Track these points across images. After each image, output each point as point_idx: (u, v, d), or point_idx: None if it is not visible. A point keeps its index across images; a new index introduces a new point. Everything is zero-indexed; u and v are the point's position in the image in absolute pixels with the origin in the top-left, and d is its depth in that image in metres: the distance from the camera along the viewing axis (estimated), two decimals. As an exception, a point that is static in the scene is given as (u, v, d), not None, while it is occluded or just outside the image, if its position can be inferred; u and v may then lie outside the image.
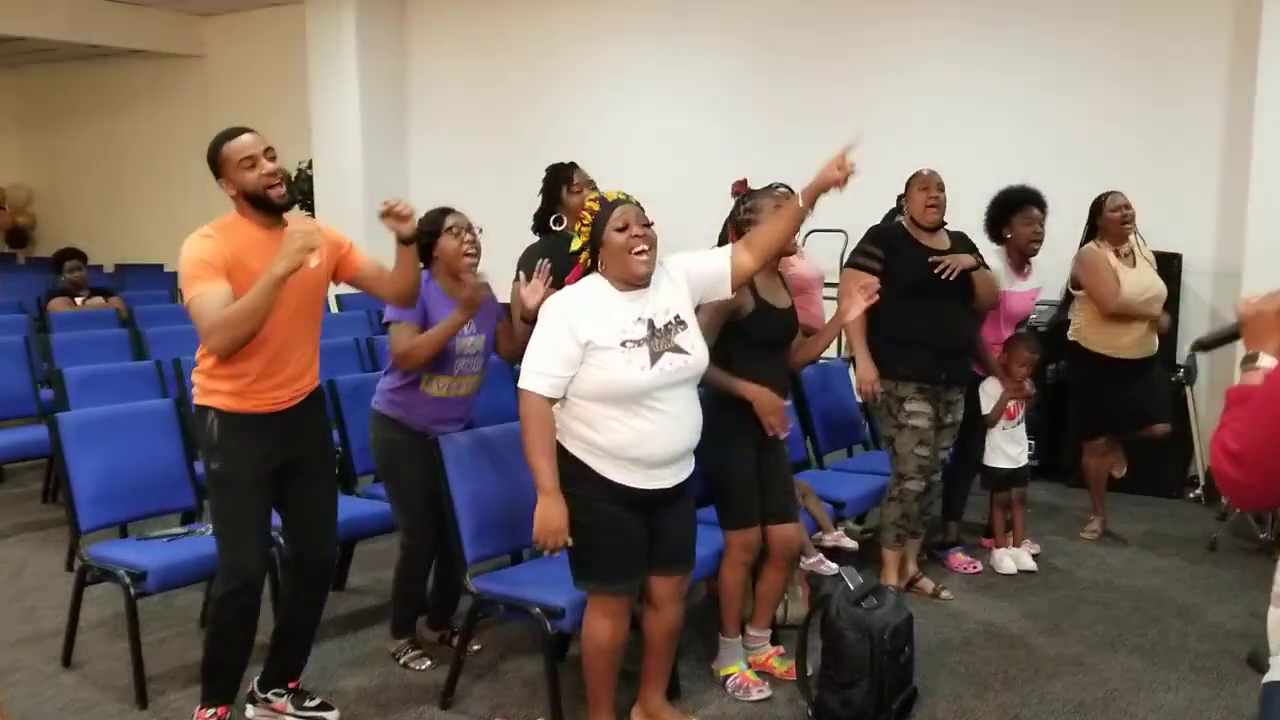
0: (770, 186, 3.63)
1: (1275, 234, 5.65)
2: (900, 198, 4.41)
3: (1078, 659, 3.90)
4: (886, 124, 6.84)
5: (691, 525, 3.17)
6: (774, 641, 3.82)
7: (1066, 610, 4.38)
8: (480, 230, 3.66)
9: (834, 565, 4.17)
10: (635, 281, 2.90)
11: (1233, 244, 6.02)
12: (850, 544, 4.28)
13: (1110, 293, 4.86)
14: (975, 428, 4.70)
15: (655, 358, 2.88)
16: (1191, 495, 5.95)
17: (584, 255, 2.98)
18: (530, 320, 3.46)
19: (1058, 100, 6.67)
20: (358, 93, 9.13)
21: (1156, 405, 5.11)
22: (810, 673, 3.48)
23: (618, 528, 2.94)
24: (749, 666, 3.68)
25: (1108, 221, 4.96)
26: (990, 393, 4.75)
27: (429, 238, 3.57)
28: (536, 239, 4.11)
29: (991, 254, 4.69)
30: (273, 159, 3.00)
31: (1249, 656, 3.86)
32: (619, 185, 3.19)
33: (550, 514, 2.83)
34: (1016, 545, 4.91)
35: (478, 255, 3.63)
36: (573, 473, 2.91)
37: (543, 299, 3.20)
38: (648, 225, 2.92)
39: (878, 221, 4.69)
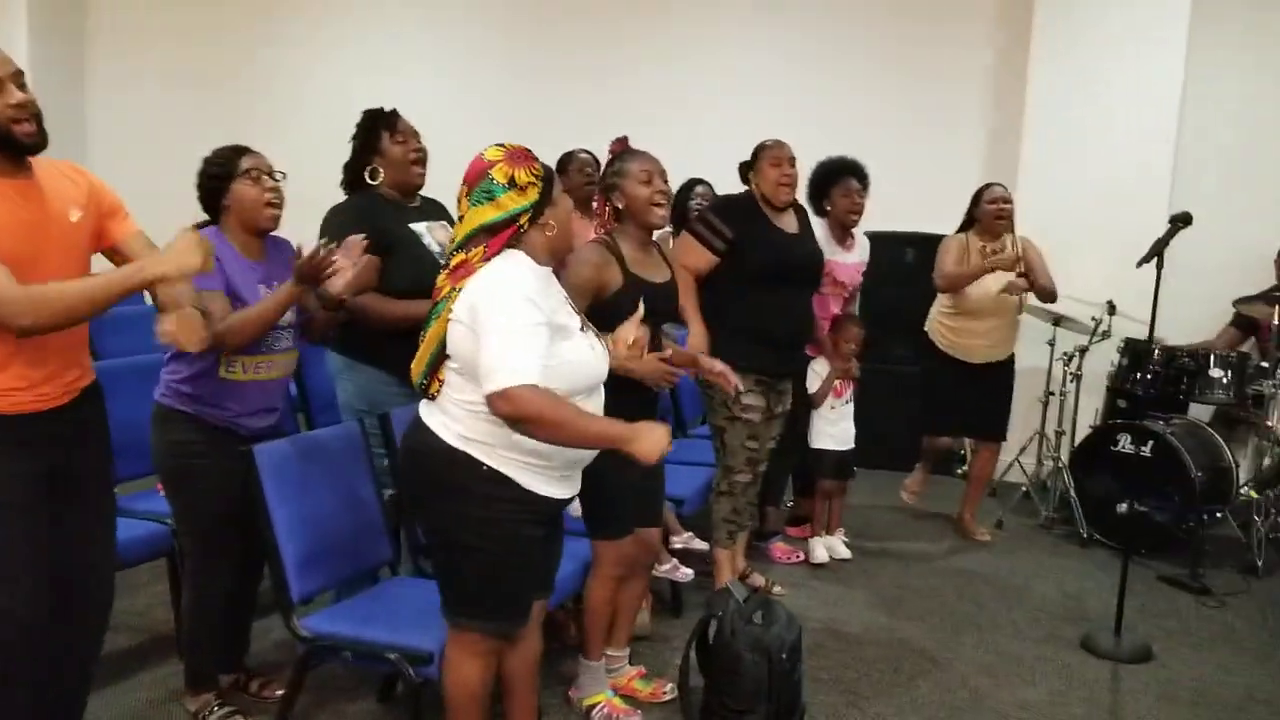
0: (637, 152, 3.15)
1: (1043, 218, 5.86)
2: (745, 166, 4.04)
3: (929, 655, 3.78)
4: (649, 86, 6.61)
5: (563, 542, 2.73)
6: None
7: (896, 600, 4.29)
8: (283, 176, 2.95)
9: (688, 571, 3.83)
10: (562, 256, 2.50)
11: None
12: (701, 545, 3.93)
13: (941, 273, 4.82)
14: (800, 411, 4.49)
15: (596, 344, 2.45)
16: (959, 471, 6.12)
17: (523, 219, 2.38)
18: (334, 306, 2.85)
19: (825, 73, 6.65)
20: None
21: (986, 420, 5.04)
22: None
23: (530, 555, 2.44)
24: (615, 693, 3.24)
25: (983, 213, 4.89)
26: (819, 371, 4.56)
27: (216, 182, 2.87)
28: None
29: (818, 226, 4.48)
30: (22, 87, 2.28)
31: (1083, 640, 3.91)
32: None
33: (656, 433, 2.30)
34: (830, 533, 4.78)
35: (281, 206, 2.93)
36: (491, 492, 2.36)
37: (353, 281, 2.78)
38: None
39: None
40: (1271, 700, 3.49)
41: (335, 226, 3.14)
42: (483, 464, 2.34)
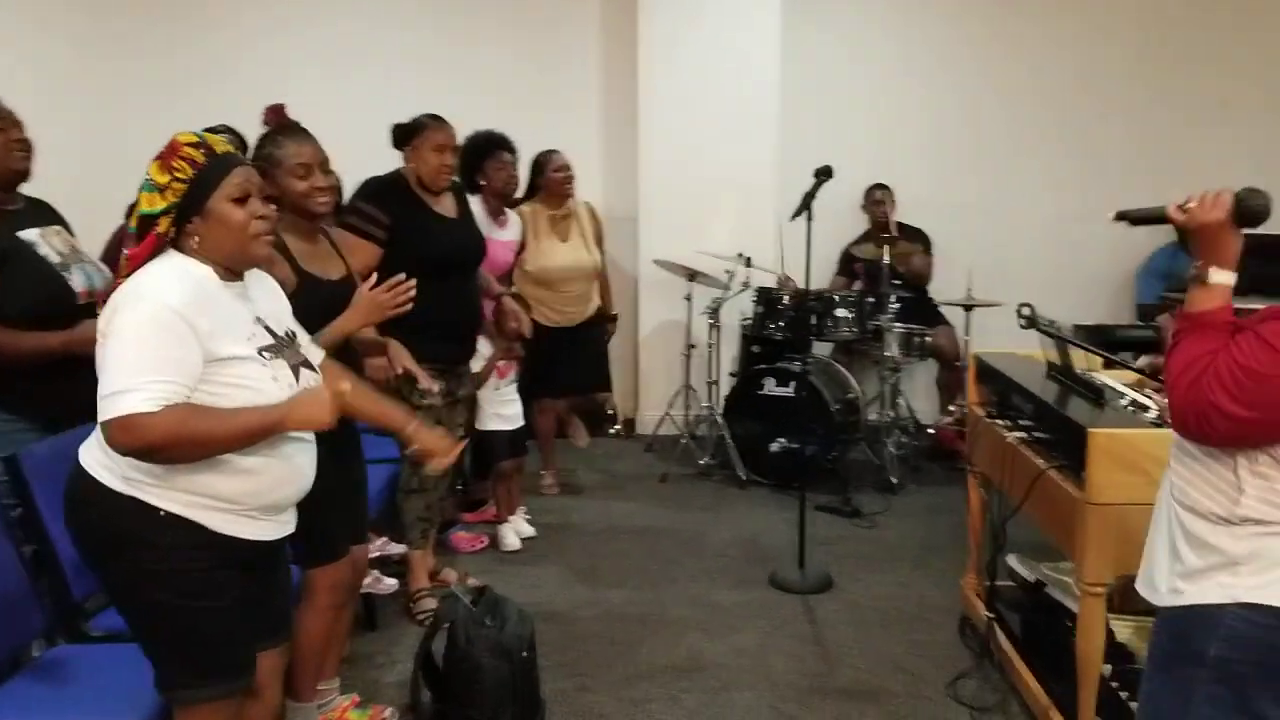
0: (295, 131, 2.76)
1: (669, 180, 6.06)
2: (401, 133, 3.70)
3: (639, 619, 3.79)
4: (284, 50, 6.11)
5: (291, 579, 2.39)
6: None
7: (590, 571, 4.26)
8: None
9: (392, 581, 3.54)
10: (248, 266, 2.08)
11: (629, 192, 6.28)
12: (397, 549, 3.64)
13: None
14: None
15: (296, 371, 2.10)
16: (612, 431, 6.24)
17: (164, 222, 1.97)
18: None
19: (439, 53, 6.40)
20: None
21: (588, 374, 5.16)
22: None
23: (238, 601, 2.07)
24: (333, 731, 2.92)
25: (549, 181, 4.86)
26: (482, 352, 4.37)
27: None
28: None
29: (475, 203, 4.29)
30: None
31: (771, 579, 4.11)
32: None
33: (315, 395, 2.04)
34: (512, 513, 4.65)
35: None
36: (175, 541, 1.98)
37: None
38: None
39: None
40: (942, 605, 3.86)
41: None
42: (159, 509, 1.96)
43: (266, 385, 2.00)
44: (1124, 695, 2.91)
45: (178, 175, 1.97)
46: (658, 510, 5.00)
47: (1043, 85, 6.29)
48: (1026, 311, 2.99)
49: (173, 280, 1.94)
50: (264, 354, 2.02)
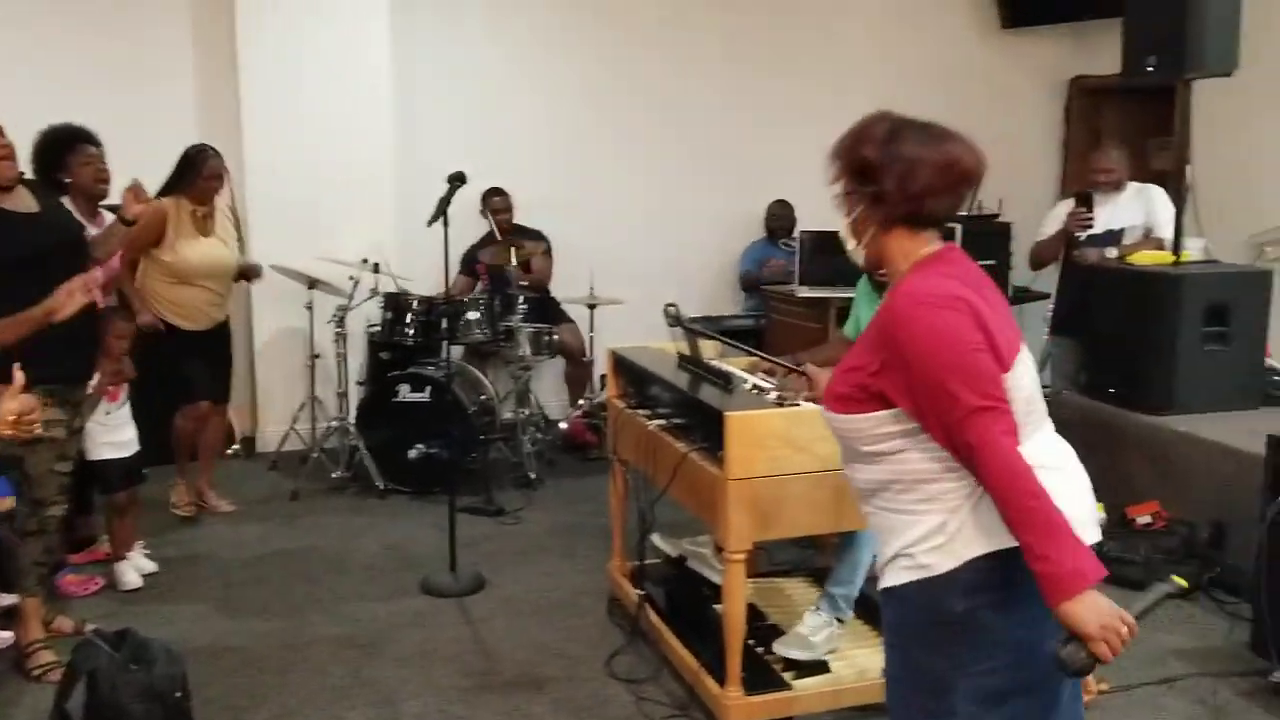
0: None
1: (273, 185, 5.81)
2: None
3: (288, 645, 3.63)
4: None
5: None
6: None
7: (226, 601, 4.01)
8: None
9: (6, 634, 3.13)
10: None
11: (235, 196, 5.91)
12: (8, 599, 3.22)
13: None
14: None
15: None
16: (230, 451, 5.88)
17: None
18: None
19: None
20: None
21: (217, 384, 4.92)
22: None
23: None
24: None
25: (200, 184, 4.64)
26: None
27: None
28: None
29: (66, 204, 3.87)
30: None
31: (423, 586, 4.09)
32: None
33: None
34: (129, 550, 4.24)
35: None
36: None
37: None
38: None
39: None
40: (591, 590, 4.04)
41: None
42: None
43: None
44: (760, 650, 3.24)
45: None
46: (293, 530, 4.79)
47: (640, 89, 6.69)
48: (673, 311, 3.21)
49: None
50: None
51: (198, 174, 4.62)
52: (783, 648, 3.21)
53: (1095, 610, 1.61)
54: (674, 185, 6.78)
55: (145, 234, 4.47)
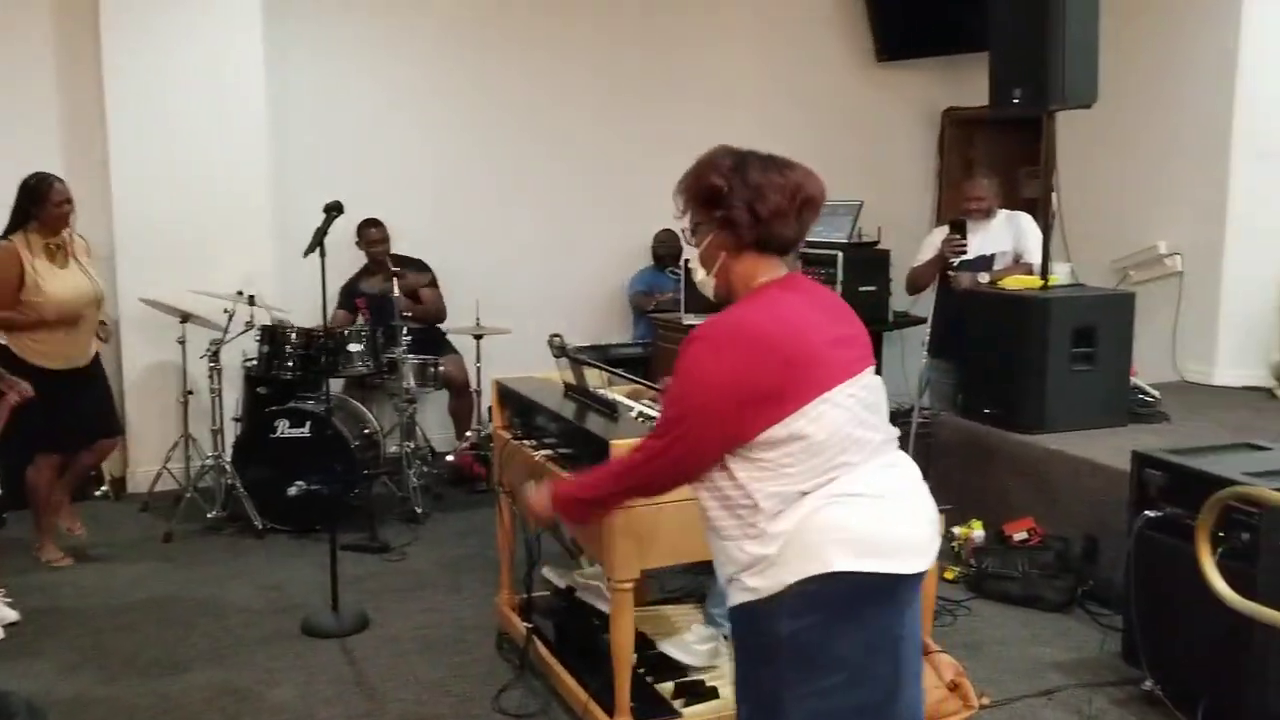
0: None
1: (141, 215, 5.60)
2: None
3: (161, 695, 3.47)
4: None
5: None
6: None
7: (97, 651, 3.82)
8: None
9: None
10: None
11: (101, 226, 5.68)
12: None
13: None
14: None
15: None
16: (98, 493, 5.62)
17: None
18: None
19: None
20: None
21: (107, 419, 4.79)
22: None
23: None
24: None
25: (49, 213, 4.43)
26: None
27: None
28: None
29: None
30: None
31: (304, 627, 3.96)
32: None
33: None
34: (-18, 600, 4.02)
35: None
36: None
37: None
38: None
39: None
40: (478, 625, 3.96)
41: None
42: None
43: None
44: (650, 679, 3.21)
45: None
46: (166, 574, 4.59)
47: (523, 117, 6.65)
48: (558, 341, 3.19)
49: None
50: None
51: (47, 201, 4.42)
52: (666, 645, 3.28)
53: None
54: (560, 213, 6.77)
55: (3, 286, 4.27)
